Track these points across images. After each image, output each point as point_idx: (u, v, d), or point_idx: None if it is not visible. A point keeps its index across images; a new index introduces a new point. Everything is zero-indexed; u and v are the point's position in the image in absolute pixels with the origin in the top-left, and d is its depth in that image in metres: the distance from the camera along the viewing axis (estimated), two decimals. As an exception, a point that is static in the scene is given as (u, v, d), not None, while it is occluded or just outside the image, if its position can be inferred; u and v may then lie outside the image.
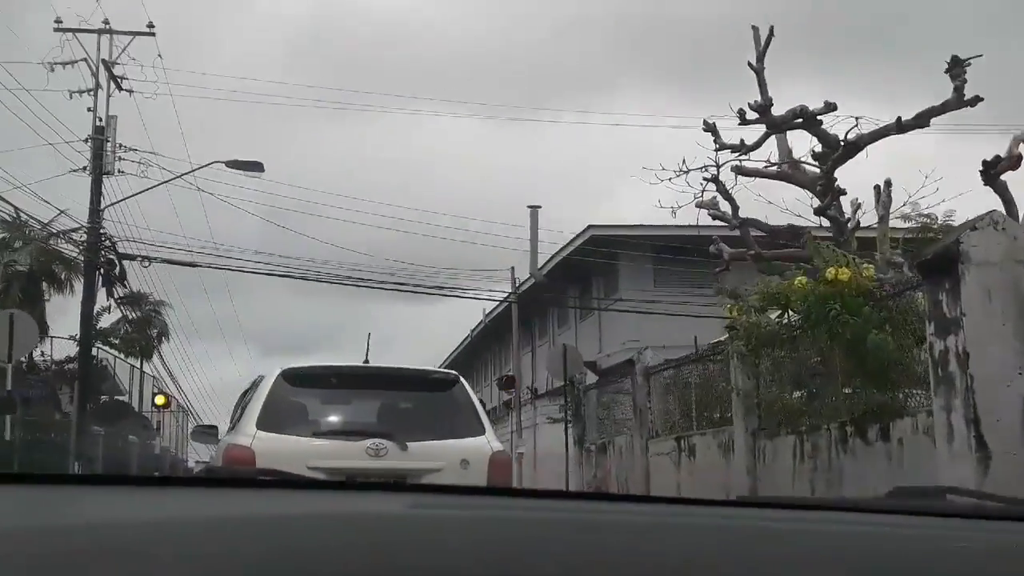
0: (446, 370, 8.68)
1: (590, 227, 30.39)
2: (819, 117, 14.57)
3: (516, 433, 29.68)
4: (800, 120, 14.75)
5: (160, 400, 27.62)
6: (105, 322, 29.35)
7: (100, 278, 21.57)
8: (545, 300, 34.49)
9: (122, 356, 30.22)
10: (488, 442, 7.50)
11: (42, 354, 26.09)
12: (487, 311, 44.14)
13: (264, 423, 7.23)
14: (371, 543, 1.14)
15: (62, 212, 21.98)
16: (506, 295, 33.37)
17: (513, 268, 29.97)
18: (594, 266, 31.57)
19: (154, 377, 32.13)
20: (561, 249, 31.28)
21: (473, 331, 46.92)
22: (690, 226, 30.40)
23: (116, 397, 35.12)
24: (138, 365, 33.24)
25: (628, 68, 72.36)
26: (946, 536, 1.40)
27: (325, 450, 7.04)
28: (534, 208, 31.68)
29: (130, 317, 32.31)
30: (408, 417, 7.88)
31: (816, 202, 14.64)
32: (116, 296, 22.29)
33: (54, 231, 22.01)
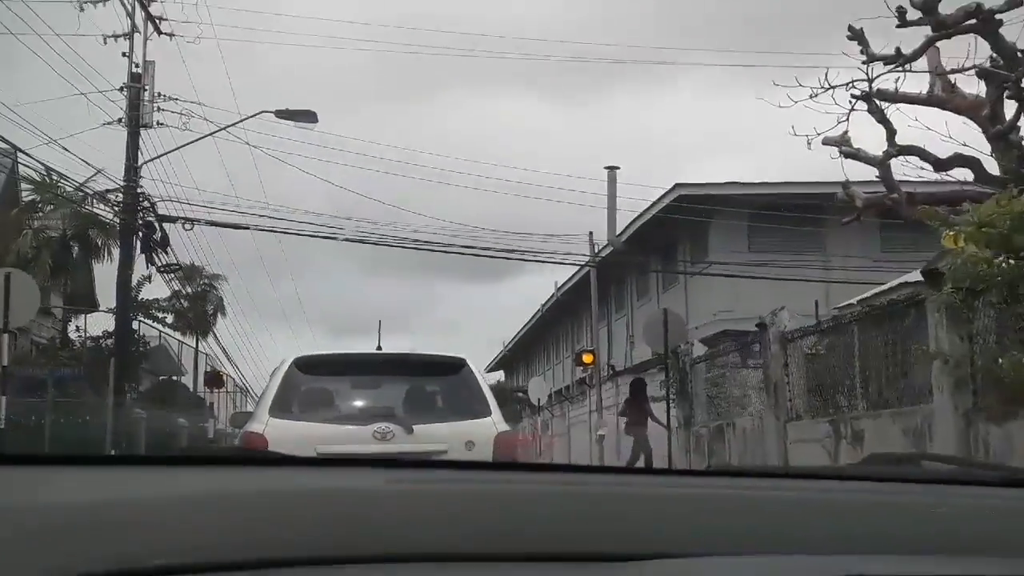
0: (453, 355, 8.69)
1: (677, 186, 27.45)
2: (999, 16, 11.57)
3: (596, 413, 26.93)
4: (973, 21, 11.71)
5: (213, 380, 25.23)
6: (149, 293, 27.10)
7: (139, 243, 19.28)
8: (624, 267, 31.57)
9: (168, 332, 27.98)
10: (494, 423, 7.69)
11: (76, 329, 23.97)
12: (559, 284, 41.64)
13: (277, 410, 7.51)
14: (349, 517, 1.18)
15: (99, 172, 19.67)
16: (583, 262, 30.60)
17: (591, 233, 27.15)
18: (680, 229, 28.70)
19: (206, 355, 29.98)
20: (645, 210, 28.40)
21: (545, 305, 44.37)
22: (791, 183, 27.70)
23: (173, 377, 33.10)
24: (192, 343, 31.14)
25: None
26: (922, 502, 1.43)
27: (333, 435, 7.20)
28: (611, 169, 28.84)
29: (184, 292, 30.17)
30: (415, 401, 8.09)
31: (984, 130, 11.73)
32: (158, 264, 20.01)
33: (89, 192, 19.76)
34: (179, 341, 28.79)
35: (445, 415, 7.86)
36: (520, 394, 46.89)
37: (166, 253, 20.10)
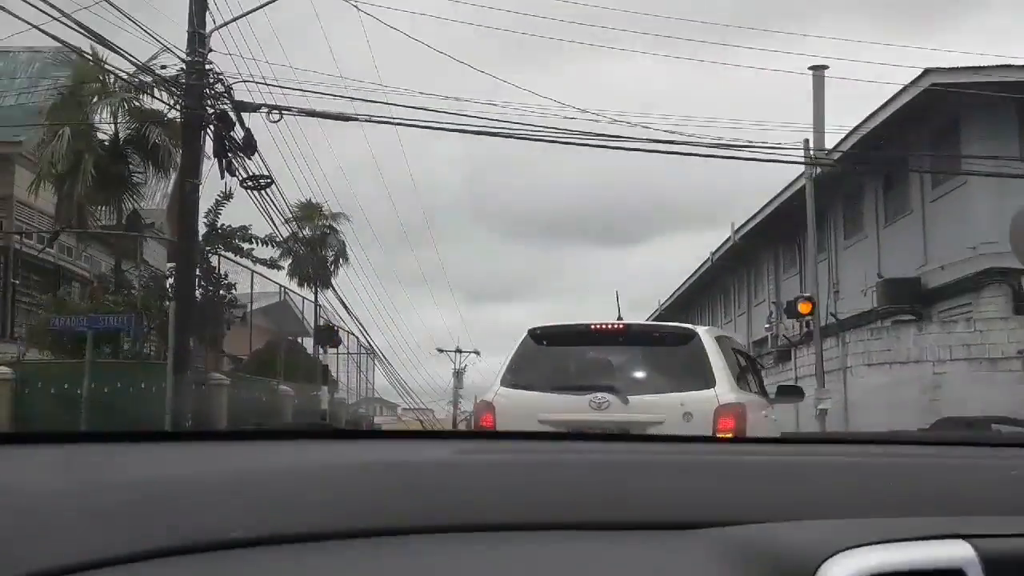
0: (686, 325, 8.69)
1: (927, 72, 20.47)
2: None
3: (818, 379, 20.29)
4: None
5: (326, 336, 19.55)
6: (231, 218, 21.49)
7: (209, 141, 13.81)
8: (837, 188, 24.65)
9: (265, 272, 22.49)
10: (716, 395, 7.54)
11: (136, 266, 18.67)
12: (733, 232, 35.16)
13: (508, 379, 7.97)
14: (417, 485, 1.18)
15: (166, 49, 14.20)
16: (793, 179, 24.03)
17: (807, 140, 20.52)
18: (924, 130, 21.84)
19: (320, 306, 24.57)
20: (885, 105, 21.51)
21: (715, 253, 37.87)
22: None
23: (292, 335, 27.84)
24: (308, 295, 25.82)
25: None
26: (994, 465, 1.43)
27: (554, 404, 7.47)
28: (818, 69, 22.07)
29: (302, 234, 24.78)
30: (637, 371, 8.23)
31: None
32: (240, 176, 14.57)
33: (147, 77, 14.40)
34: (280, 286, 23.09)
35: (665, 386, 7.79)
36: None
37: (250, 158, 14.59)
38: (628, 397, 7.46)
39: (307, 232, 27.74)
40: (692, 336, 8.14)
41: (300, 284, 27.95)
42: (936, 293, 21.53)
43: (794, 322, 28.55)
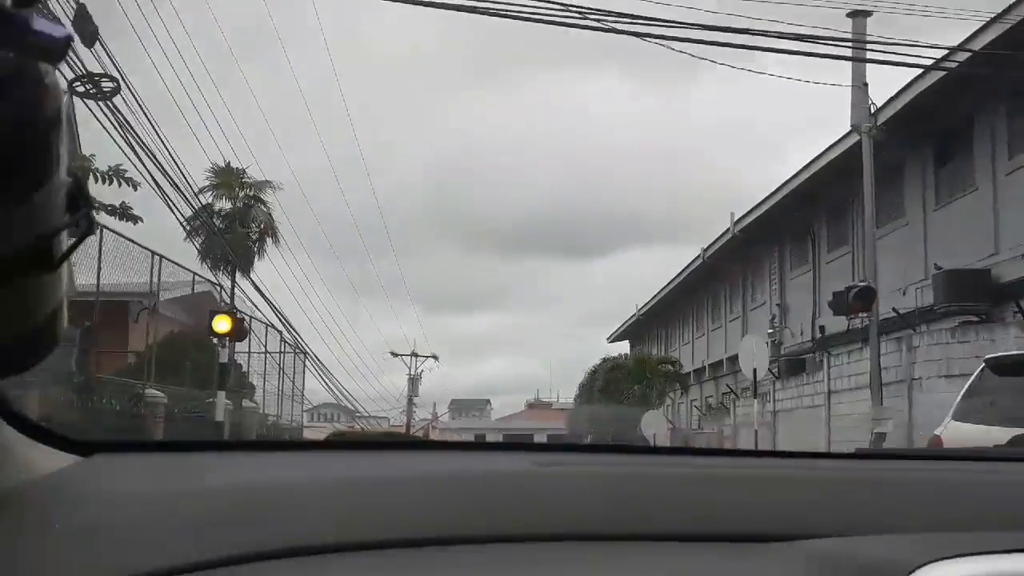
0: None
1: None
2: None
3: (873, 396, 15.46)
4: None
5: (222, 323, 14.42)
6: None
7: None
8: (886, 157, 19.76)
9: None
10: None
11: None
12: (705, 249, 30.48)
13: (959, 412, 7.72)
14: (498, 497, 1.20)
15: None
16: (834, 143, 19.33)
17: (866, 85, 15.75)
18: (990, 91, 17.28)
19: (218, 286, 19.41)
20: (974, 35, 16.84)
21: (707, 250, 33.08)
22: None
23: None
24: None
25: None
26: None
27: (998, 438, 6.79)
28: (860, 15, 17.41)
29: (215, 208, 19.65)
30: None
31: None
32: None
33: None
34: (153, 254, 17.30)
35: None
36: (670, 366, 36.11)
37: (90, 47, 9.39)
38: None
39: (225, 205, 22.51)
40: None
41: (213, 268, 22.70)
42: (1011, 288, 16.75)
43: (791, 329, 23.81)
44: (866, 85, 15.14)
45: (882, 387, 15.07)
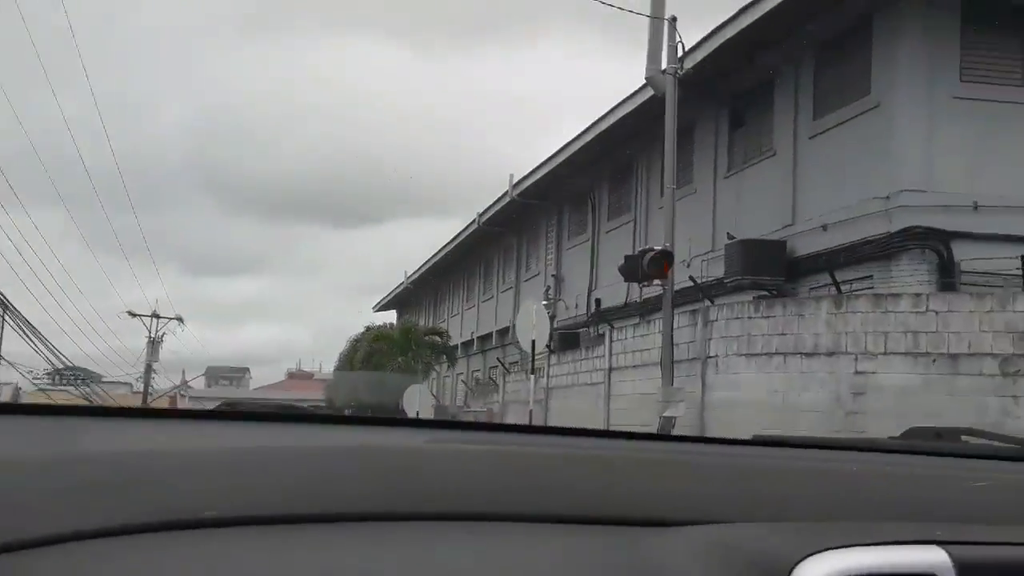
0: None
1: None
2: None
3: (662, 370, 13.64)
4: None
5: None
6: None
7: None
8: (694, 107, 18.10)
9: None
10: None
11: None
12: (481, 214, 28.59)
13: None
14: (386, 474, 1.17)
15: None
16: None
17: (674, 18, 13.84)
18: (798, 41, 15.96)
19: None
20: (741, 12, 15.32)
21: (482, 215, 31.08)
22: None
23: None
24: None
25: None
26: (961, 476, 1.41)
27: None
28: None
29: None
30: None
31: None
32: None
33: None
34: None
35: None
36: (437, 337, 34.03)
37: None
38: None
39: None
40: None
41: None
42: (809, 262, 15.48)
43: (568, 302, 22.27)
44: (674, 18, 13.26)
45: (674, 364, 13.29)
